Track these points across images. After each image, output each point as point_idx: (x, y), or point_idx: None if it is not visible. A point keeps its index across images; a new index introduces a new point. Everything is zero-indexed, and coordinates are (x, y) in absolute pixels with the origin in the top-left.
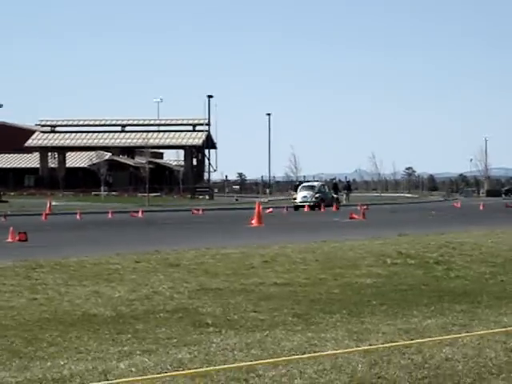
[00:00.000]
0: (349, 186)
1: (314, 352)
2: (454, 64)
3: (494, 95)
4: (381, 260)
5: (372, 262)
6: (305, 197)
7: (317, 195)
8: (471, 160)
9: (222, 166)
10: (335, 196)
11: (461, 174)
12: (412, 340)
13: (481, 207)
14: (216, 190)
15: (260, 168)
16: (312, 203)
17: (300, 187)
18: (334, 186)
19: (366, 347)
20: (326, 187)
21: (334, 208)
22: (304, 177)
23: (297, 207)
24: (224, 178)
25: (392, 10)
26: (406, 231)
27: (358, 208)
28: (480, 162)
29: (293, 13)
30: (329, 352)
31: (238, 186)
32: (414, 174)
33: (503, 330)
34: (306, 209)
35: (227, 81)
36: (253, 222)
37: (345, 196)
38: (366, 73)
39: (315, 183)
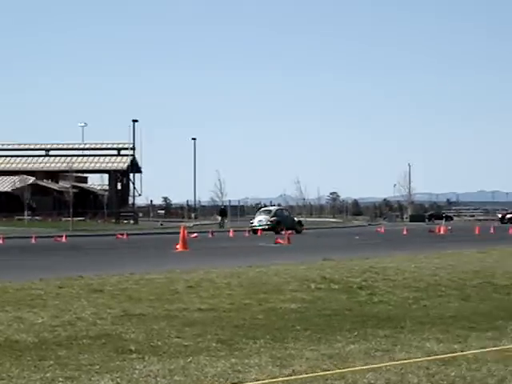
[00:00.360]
0: None
1: (237, 378)
2: (376, 89)
3: (418, 121)
4: (305, 285)
5: (296, 286)
6: (260, 221)
7: (272, 219)
8: (395, 185)
9: (147, 191)
10: (297, 220)
11: (385, 199)
12: (335, 365)
13: (404, 232)
14: (141, 215)
15: (186, 192)
16: (267, 227)
17: (258, 211)
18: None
19: (292, 377)
20: (285, 211)
21: (290, 233)
22: (229, 201)
23: (254, 231)
24: (149, 202)
25: (309, 35)
26: (331, 256)
27: (283, 233)
28: (404, 187)
29: (215, 37)
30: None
31: (163, 211)
32: (339, 199)
33: (427, 358)
34: (259, 233)
35: (153, 105)
36: (178, 246)
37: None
38: (289, 98)
39: (272, 208)
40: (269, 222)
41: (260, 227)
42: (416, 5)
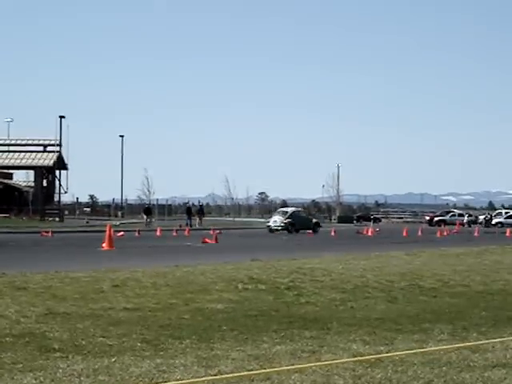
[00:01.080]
0: (201, 210)
1: (162, 378)
2: (307, 89)
3: (349, 122)
4: (232, 285)
5: (223, 287)
6: (275, 221)
7: (286, 220)
8: (323, 186)
9: (73, 188)
10: (314, 221)
11: (313, 200)
12: (261, 366)
13: (332, 233)
14: (66, 212)
15: (113, 190)
16: (280, 228)
17: (276, 212)
18: (188, 209)
19: (217, 377)
20: (302, 212)
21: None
22: (157, 200)
23: (270, 230)
24: (75, 199)
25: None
26: (259, 256)
27: (211, 232)
28: (332, 188)
29: (139, 38)
30: (178, 380)
31: (89, 209)
32: (267, 199)
33: (353, 359)
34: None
35: (81, 102)
36: (103, 245)
37: (198, 220)
38: (218, 96)
39: (288, 209)
40: (282, 224)
41: (275, 227)
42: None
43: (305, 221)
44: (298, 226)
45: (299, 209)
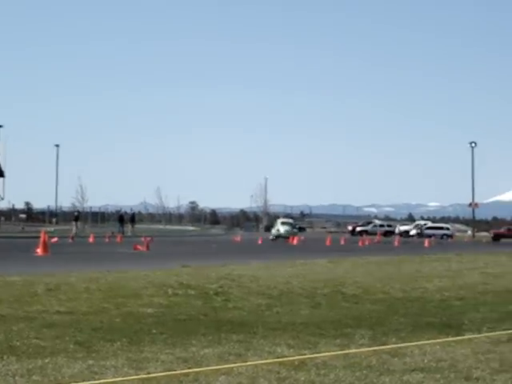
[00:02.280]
0: (133, 218)
1: (94, 379)
2: (237, 100)
3: (275, 134)
4: (162, 290)
5: (154, 292)
6: (287, 231)
7: (294, 230)
8: (252, 196)
9: (9, 195)
10: (298, 227)
11: (241, 210)
12: (189, 368)
13: (260, 241)
14: (3, 219)
15: (48, 197)
16: (288, 235)
17: (280, 222)
18: (120, 217)
19: (144, 375)
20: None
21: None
22: (90, 207)
23: (276, 237)
24: (11, 206)
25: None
26: (189, 263)
27: (143, 239)
28: (260, 199)
29: (79, 40)
30: (108, 380)
31: (24, 215)
32: (197, 208)
33: (277, 360)
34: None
35: (17, 110)
36: (38, 250)
37: (130, 227)
38: (149, 106)
39: (290, 220)
40: (292, 232)
41: (287, 235)
42: None
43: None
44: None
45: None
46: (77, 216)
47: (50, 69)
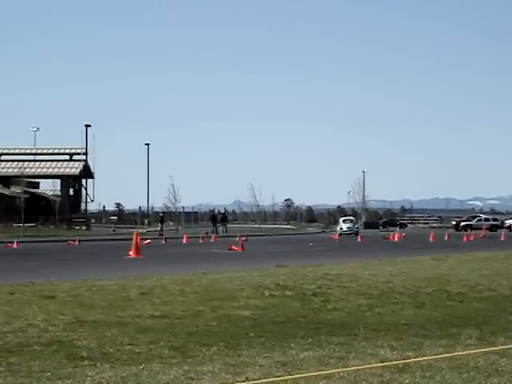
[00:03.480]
0: (225, 217)
1: None
2: (330, 95)
3: (373, 128)
4: (259, 292)
5: (250, 293)
6: (349, 228)
7: (356, 227)
8: (349, 192)
9: (99, 196)
10: (357, 227)
11: (339, 206)
12: (289, 374)
13: (359, 239)
14: (93, 221)
15: (139, 198)
16: (352, 231)
17: (341, 220)
18: (213, 217)
19: (243, 381)
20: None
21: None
22: (183, 207)
23: (341, 234)
24: (101, 208)
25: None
26: (285, 263)
27: (237, 239)
28: (358, 194)
29: (168, 42)
30: None
31: (115, 217)
32: (293, 206)
33: (380, 364)
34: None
35: (106, 110)
36: (130, 253)
37: (222, 227)
38: (242, 104)
39: (352, 217)
40: (355, 229)
41: (349, 232)
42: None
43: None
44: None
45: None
46: (162, 217)
47: (138, 69)
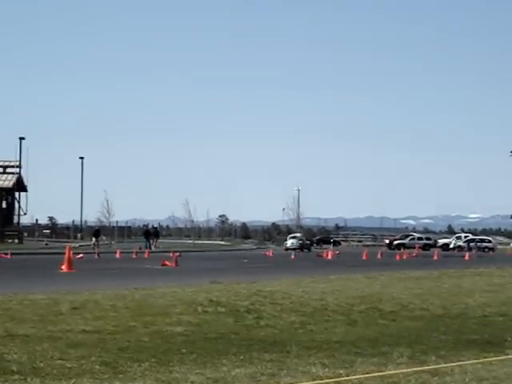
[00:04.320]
0: (157, 233)
1: None
2: (269, 111)
3: (309, 146)
4: (192, 308)
5: (183, 309)
6: (292, 243)
7: (300, 242)
8: (284, 209)
9: (33, 210)
10: (308, 242)
11: (273, 223)
12: None
13: (292, 256)
14: (26, 234)
15: (72, 212)
16: (296, 247)
17: (289, 237)
18: (146, 232)
19: None
20: (304, 237)
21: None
22: (117, 222)
23: (287, 249)
24: (34, 221)
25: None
26: (218, 279)
27: (171, 255)
28: (292, 211)
29: (103, 55)
30: None
31: (48, 230)
32: (227, 222)
33: (312, 382)
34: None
35: (41, 123)
36: (63, 267)
37: (153, 242)
38: (178, 119)
39: (298, 234)
40: (298, 244)
41: (292, 248)
42: None
43: (305, 243)
44: (304, 246)
45: (302, 235)
46: (96, 231)
47: (78, 81)
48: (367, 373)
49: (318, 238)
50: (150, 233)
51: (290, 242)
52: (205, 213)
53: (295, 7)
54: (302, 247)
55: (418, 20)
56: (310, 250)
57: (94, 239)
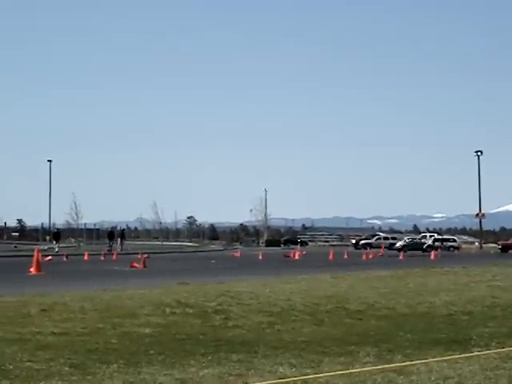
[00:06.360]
0: (123, 234)
1: None
2: (236, 113)
3: (275, 147)
4: (160, 309)
5: (151, 311)
6: None
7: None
8: (251, 210)
9: (1, 212)
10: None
11: (241, 224)
12: None
13: (260, 257)
14: None
15: (41, 215)
16: None
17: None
18: (110, 233)
19: None
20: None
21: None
22: (85, 224)
23: None
24: (3, 224)
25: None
26: (186, 280)
27: (139, 256)
28: (260, 212)
29: (62, 54)
30: None
31: (17, 233)
32: (195, 223)
33: (279, 381)
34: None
35: (8, 126)
36: (31, 269)
37: (119, 244)
38: (143, 120)
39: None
40: None
41: None
42: None
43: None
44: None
45: None
46: (56, 233)
47: (43, 80)
48: (334, 371)
49: (286, 238)
50: (114, 234)
51: None
52: (173, 214)
53: (294, 7)
54: None
55: (416, 18)
56: None
57: (54, 242)
